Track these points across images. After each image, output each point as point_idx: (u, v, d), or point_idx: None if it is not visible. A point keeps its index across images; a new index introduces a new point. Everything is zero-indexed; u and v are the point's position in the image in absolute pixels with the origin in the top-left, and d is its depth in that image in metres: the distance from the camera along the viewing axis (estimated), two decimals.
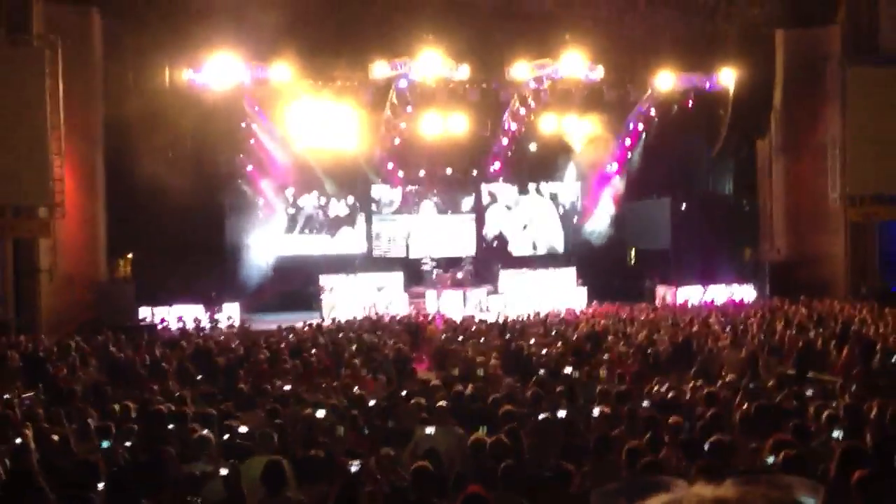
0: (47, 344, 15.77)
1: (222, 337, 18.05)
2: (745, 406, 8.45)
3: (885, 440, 6.55)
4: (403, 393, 9.92)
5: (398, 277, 26.03)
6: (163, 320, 22.05)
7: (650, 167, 28.77)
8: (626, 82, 27.01)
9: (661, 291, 26.61)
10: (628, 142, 28.94)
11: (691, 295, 25.45)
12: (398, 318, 20.98)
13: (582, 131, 28.84)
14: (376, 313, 21.63)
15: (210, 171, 24.43)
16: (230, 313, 23.17)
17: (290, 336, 16.95)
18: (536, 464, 6.83)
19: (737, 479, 0.82)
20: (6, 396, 9.83)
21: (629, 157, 29.32)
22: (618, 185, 29.80)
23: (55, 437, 8.10)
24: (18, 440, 7.61)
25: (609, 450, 6.91)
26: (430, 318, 20.48)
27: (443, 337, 16.64)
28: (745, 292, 26.01)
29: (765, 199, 28.07)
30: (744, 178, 29.09)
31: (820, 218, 25.52)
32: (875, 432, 7.11)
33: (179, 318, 22.02)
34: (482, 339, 15.73)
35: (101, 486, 6.42)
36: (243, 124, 25.20)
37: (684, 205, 27.98)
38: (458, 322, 19.39)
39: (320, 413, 8.66)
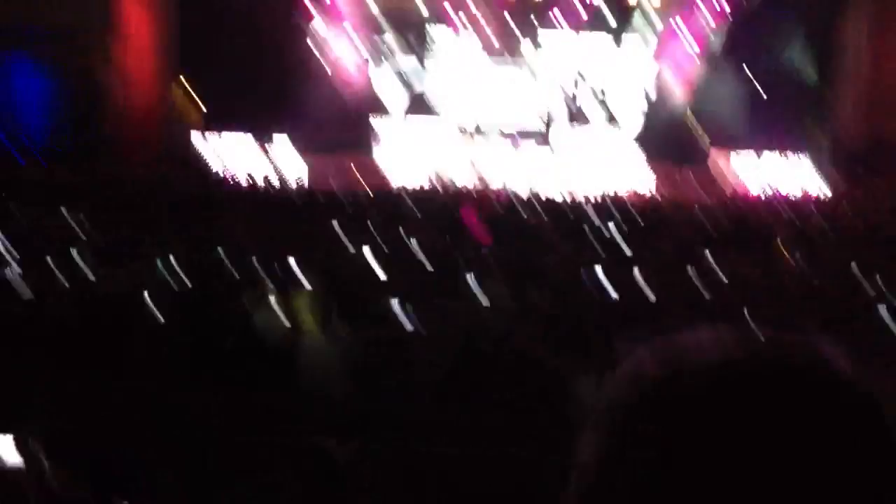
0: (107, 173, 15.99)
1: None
2: (802, 291, 8.40)
3: None
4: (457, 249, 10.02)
5: (453, 131, 25.65)
6: (224, 160, 21.91)
7: (726, 27, 27.59)
8: None
9: (716, 155, 26.10)
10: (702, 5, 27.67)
11: (747, 163, 24.80)
12: (454, 183, 20.72)
13: None
14: (436, 175, 21.36)
15: (267, 6, 23.90)
16: (283, 148, 23.13)
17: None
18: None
19: (777, 338, 0.85)
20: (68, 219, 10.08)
21: (703, 19, 28.08)
22: (690, 42, 28.65)
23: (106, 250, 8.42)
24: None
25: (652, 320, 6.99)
26: (489, 186, 20.09)
27: (499, 197, 16.49)
28: (804, 166, 25.25)
29: (843, 80, 26.84)
30: (823, 56, 27.73)
31: None
32: None
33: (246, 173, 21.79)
34: (537, 202, 15.60)
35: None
36: None
37: (753, 77, 26.94)
38: (517, 197, 18.81)
39: (368, 253, 8.88)
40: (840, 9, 26.22)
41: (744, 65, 27.15)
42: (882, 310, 7.76)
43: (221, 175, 19.28)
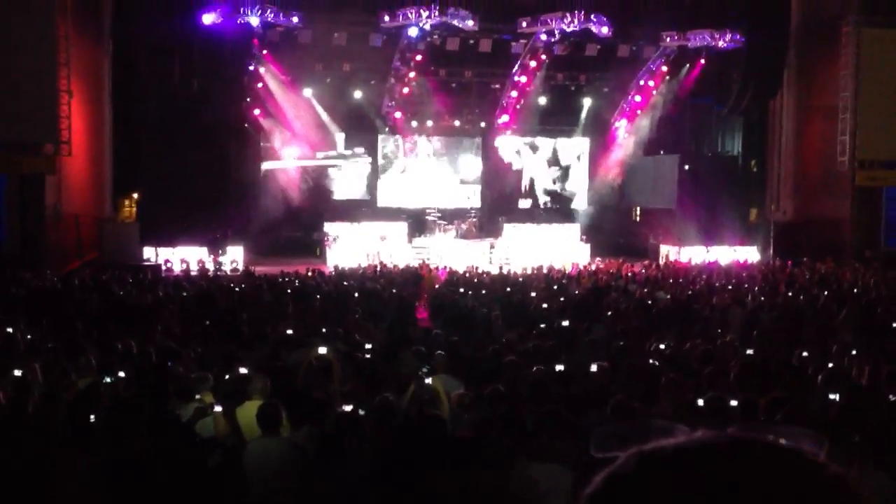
0: (52, 280, 15.85)
1: (227, 281, 18.07)
2: (742, 364, 8.48)
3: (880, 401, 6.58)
4: (403, 341, 9.94)
5: (402, 228, 26.03)
6: (167, 261, 22.09)
7: (659, 125, 28.61)
8: (637, 38, 26.67)
9: (665, 250, 26.58)
10: (638, 99, 28.68)
11: (694, 255, 25.37)
12: (401, 267, 21.01)
13: (592, 87, 28.72)
14: (380, 262, 21.64)
15: (216, 114, 24.27)
16: (234, 257, 23.22)
17: (295, 281, 16.98)
18: (532, 415, 6.87)
19: (740, 428, 0.82)
20: (9, 330, 9.88)
21: (638, 114, 29.09)
22: (626, 142, 29.63)
23: (57, 371, 8.18)
24: (19, 372, 7.67)
25: (605, 404, 6.93)
26: (432, 268, 20.49)
27: (445, 288, 16.63)
28: (749, 253, 25.91)
29: (773, 161, 27.91)
30: (753, 139, 28.90)
31: (828, 181, 25.35)
32: (869, 393, 7.14)
33: (183, 261, 22.07)
34: (484, 291, 15.71)
35: (93, 418, 6.48)
36: (251, 67, 24.99)
37: (688, 166, 27.84)
38: (461, 273, 19.40)
39: (322, 350, 8.68)
40: (771, 95, 27.38)
41: (678, 156, 28.12)
42: (820, 379, 7.91)
43: (165, 279, 19.12)
